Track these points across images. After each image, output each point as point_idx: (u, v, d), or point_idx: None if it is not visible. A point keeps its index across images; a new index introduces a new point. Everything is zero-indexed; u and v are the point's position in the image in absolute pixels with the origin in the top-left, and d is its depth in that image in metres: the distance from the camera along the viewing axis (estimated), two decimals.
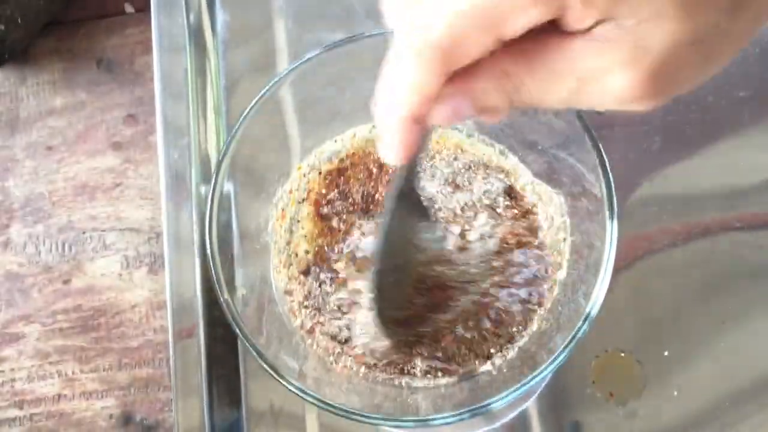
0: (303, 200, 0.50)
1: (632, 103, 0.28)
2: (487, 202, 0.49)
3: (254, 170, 0.48)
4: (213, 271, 0.42)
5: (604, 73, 0.27)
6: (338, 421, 0.45)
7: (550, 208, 0.48)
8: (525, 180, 0.49)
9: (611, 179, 0.41)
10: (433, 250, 0.44)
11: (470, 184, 0.50)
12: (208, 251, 0.42)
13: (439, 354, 0.45)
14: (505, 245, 0.47)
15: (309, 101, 0.48)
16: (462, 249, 0.47)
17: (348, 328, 0.47)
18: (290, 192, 0.50)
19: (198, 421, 0.50)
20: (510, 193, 0.49)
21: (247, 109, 0.44)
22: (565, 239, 0.47)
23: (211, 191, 0.43)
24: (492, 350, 0.46)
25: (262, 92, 0.44)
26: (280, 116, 0.48)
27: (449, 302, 0.46)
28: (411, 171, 0.37)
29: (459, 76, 0.28)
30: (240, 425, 0.51)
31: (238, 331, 0.41)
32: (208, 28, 0.60)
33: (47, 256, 0.59)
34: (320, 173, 0.50)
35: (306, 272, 0.48)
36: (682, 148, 0.55)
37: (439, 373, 0.45)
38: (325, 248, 0.48)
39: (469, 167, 0.50)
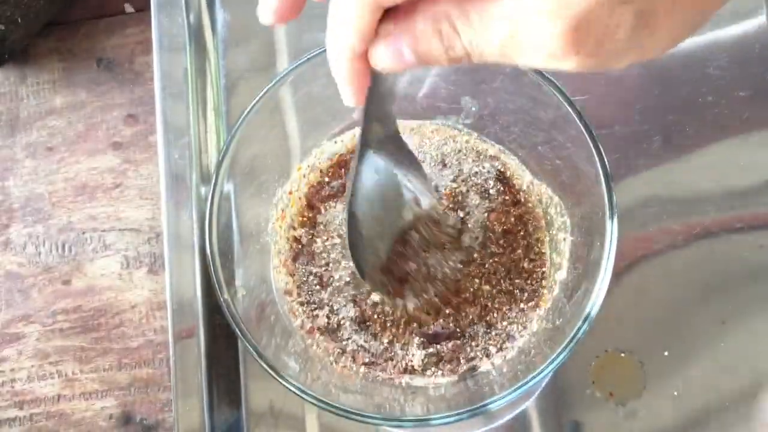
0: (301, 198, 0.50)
1: (559, 58, 0.27)
2: (478, 181, 0.48)
3: (254, 170, 0.47)
4: (213, 271, 0.42)
5: (532, 20, 0.27)
6: (338, 421, 0.45)
7: (549, 208, 0.48)
8: (524, 180, 0.49)
9: (611, 179, 0.41)
10: (417, 209, 0.42)
11: (459, 164, 0.49)
12: (208, 251, 0.42)
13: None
14: (491, 234, 0.47)
15: (309, 101, 0.48)
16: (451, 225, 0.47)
17: (331, 311, 0.47)
18: (290, 193, 0.50)
19: (198, 421, 0.50)
20: (502, 179, 0.49)
21: (247, 109, 0.44)
22: (565, 239, 0.47)
23: (211, 191, 0.43)
24: (492, 348, 0.46)
25: (262, 92, 0.44)
26: (280, 116, 0.48)
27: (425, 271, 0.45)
28: (381, 116, 0.36)
29: (399, 15, 0.29)
30: (240, 425, 0.51)
31: (238, 331, 0.41)
32: (208, 28, 0.60)
33: (47, 256, 0.59)
34: (321, 171, 0.50)
35: (295, 258, 0.49)
36: (682, 148, 0.55)
37: (439, 372, 0.45)
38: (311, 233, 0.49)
39: (459, 151, 0.50)
